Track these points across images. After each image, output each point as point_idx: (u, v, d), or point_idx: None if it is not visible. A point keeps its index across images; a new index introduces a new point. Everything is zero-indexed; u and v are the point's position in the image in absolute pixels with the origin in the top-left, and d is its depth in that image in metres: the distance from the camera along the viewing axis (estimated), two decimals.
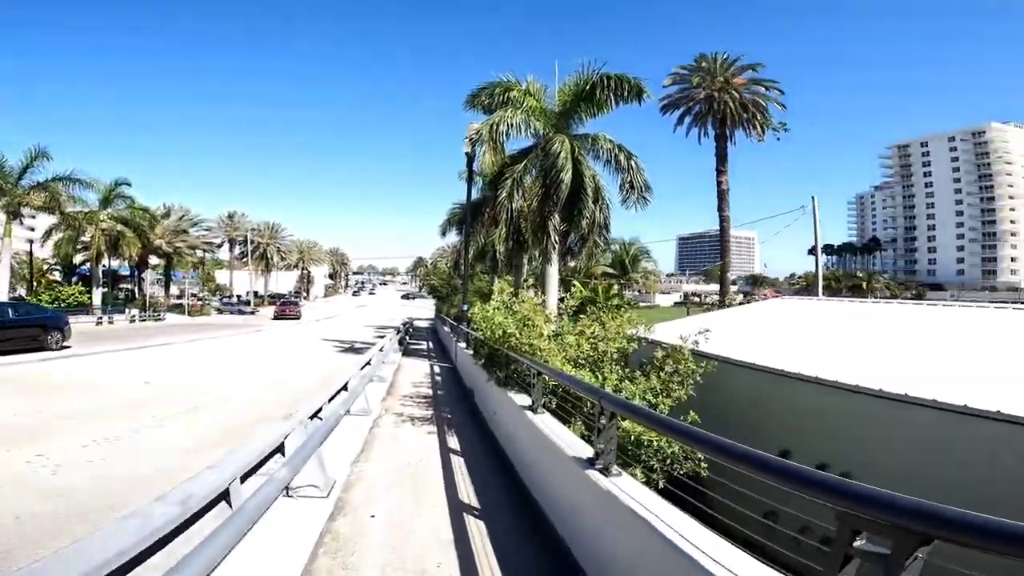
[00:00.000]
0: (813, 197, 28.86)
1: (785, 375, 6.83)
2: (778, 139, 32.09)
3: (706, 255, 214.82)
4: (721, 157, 30.76)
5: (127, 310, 37.06)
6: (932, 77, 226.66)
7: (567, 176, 12.93)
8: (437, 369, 15.30)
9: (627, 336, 7.11)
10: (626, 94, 12.81)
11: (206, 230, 51.05)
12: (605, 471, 3.38)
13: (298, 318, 43.11)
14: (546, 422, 4.81)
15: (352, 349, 20.41)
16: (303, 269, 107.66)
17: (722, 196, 31.05)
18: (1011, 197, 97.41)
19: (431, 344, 24.46)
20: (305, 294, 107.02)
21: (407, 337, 24.61)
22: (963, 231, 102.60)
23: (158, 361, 15.07)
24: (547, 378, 5.26)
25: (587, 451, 3.80)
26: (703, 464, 4.91)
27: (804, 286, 79.75)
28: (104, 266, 42.55)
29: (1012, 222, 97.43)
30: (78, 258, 41.32)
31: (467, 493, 4.98)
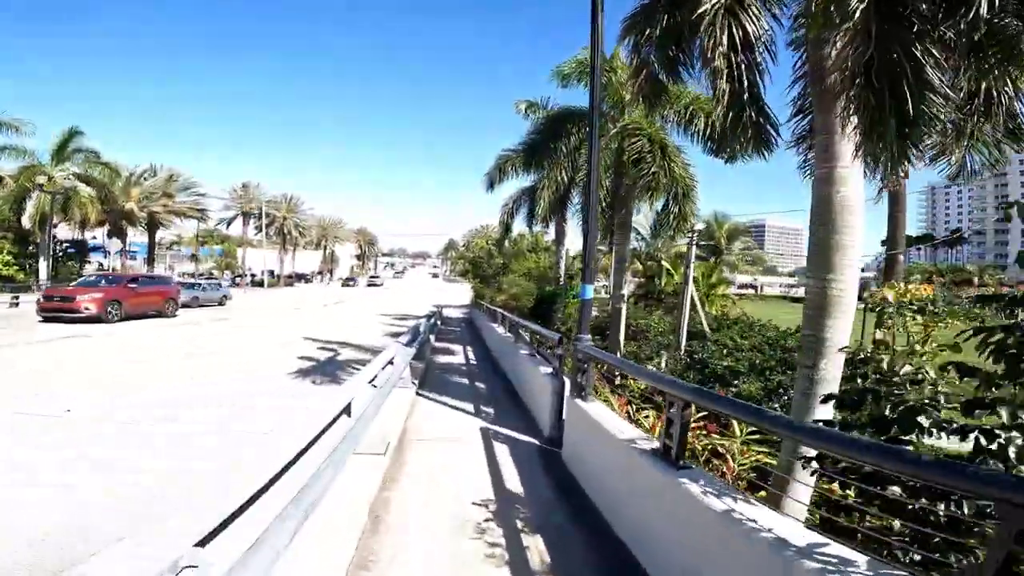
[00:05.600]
0: None
1: None
2: None
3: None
4: None
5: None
6: None
7: None
8: (511, 465, 5.62)
9: None
10: None
11: (200, 195, 42.62)
12: None
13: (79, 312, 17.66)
14: None
15: (329, 367, 11.09)
16: (325, 248, 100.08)
17: None
18: None
19: (472, 355, 14.30)
20: (329, 275, 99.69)
21: (432, 337, 14.76)
22: None
23: None
24: None
25: None
26: None
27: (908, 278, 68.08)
28: (80, 234, 35.52)
29: None
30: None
31: None
